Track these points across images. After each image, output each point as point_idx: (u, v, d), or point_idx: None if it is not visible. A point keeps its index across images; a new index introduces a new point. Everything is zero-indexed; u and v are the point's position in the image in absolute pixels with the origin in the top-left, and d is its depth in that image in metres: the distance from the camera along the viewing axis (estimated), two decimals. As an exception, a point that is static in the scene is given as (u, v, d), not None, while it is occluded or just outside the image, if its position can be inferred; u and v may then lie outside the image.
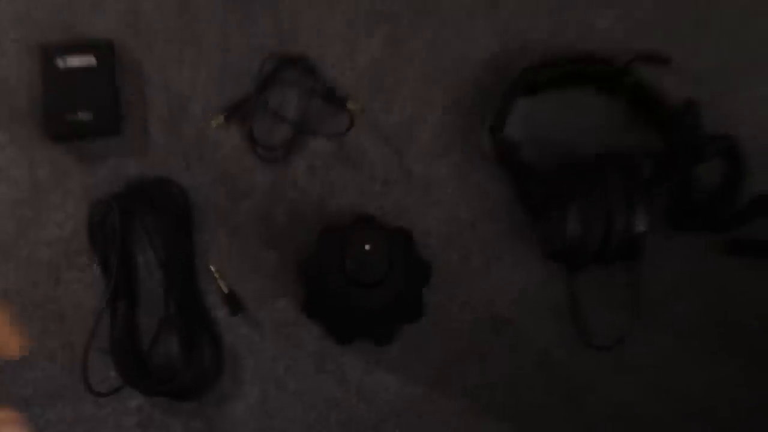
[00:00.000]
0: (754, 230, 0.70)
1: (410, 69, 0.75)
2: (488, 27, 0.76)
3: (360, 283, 0.62)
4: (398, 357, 0.70)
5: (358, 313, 0.65)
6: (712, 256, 0.72)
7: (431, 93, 0.75)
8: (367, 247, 0.61)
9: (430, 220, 0.72)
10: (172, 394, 0.69)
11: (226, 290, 0.71)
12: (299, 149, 0.73)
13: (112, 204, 0.70)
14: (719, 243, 0.72)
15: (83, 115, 0.72)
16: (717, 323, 0.71)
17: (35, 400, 0.69)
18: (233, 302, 0.71)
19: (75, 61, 0.72)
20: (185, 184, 0.73)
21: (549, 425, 0.70)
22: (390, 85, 0.75)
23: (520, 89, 0.73)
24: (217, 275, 0.72)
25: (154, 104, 0.74)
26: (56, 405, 0.69)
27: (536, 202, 0.70)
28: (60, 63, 0.72)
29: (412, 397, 0.70)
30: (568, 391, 0.70)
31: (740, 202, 0.71)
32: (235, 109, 0.74)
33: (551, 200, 0.68)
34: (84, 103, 0.72)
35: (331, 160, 0.73)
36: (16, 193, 0.72)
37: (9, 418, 0.34)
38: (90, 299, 0.71)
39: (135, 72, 0.74)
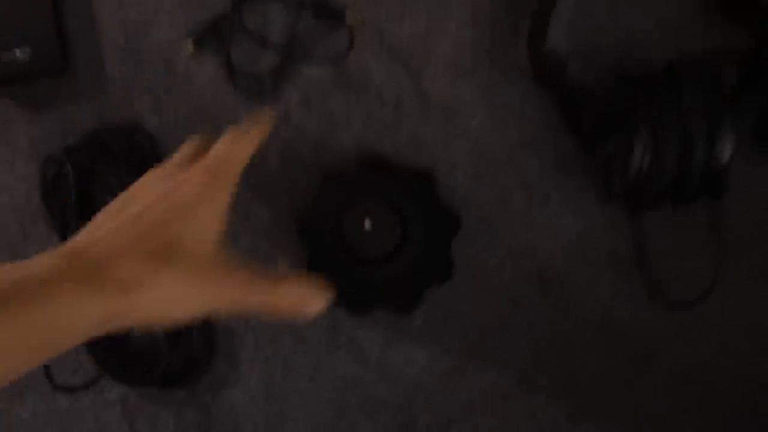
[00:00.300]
0: None
1: (423, -34, 0.59)
2: None
3: (365, 261, 0.51)
4: (424, 326, 0.58)
5: (368, 287, 0.53)
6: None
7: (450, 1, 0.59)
8: (367, 225, 0.51)
9: (455, 155, 0.58)
10: (158, 383, 0.58)
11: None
12: (289, 78, 0.59)
13: (66, 160, 0.58)
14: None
15: (19, 53, 0.58)
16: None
17: (1, 395, 0.59)
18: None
19: (6, -14, 0.58)
20: (153, 129, 0.59)
21: (612, 400, 0.57)
22: (398, -11, 0.59)
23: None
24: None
25: (107, 32, 0.60)
26: (26, 400, 0.59)
27: (590, 128, 0.55)
28: (-13, -11, 0.58)
29: (442, 373, 0.58)
30: (634, 358, 0.57)
31: None
32: (208, 33, 0.59)
33: (610, 124, 0.54)
34: (18, 38, 0.58)
35: (328, 88, 0.59)
36: (-46, 152, 0.60)
37: None
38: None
39: (81, -7, 0.60)
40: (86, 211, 0.59)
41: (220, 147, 0.44)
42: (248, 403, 0.59)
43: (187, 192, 0.41)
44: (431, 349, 0.58)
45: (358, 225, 0.53)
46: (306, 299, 0.42)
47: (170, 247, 0.39)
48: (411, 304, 0.57)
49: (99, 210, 0.60)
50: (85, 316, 0.35)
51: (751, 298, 0.57)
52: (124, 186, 0.59)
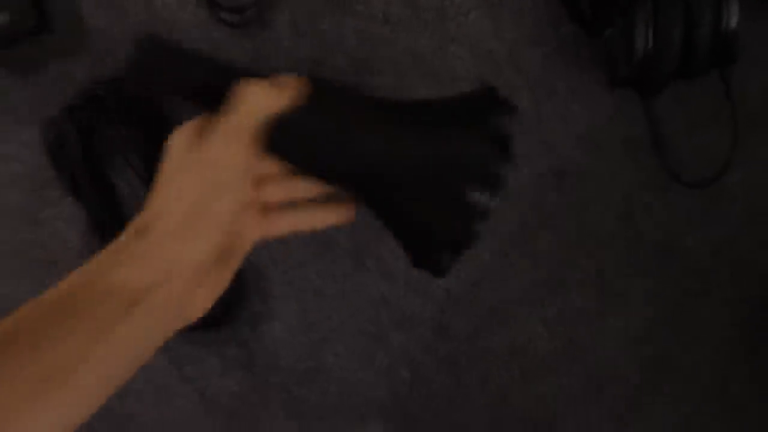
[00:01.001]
0: None
1: None
2: None
3: None
4: (447, 236, 0.58)
5: None
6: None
7: None
8: None
9: (454, 60, 0.57)
10: (199, 326, 0.59)
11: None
12: (276, 2, 0.57)
13: (66, 121, 0.57)
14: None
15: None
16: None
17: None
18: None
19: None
20: (147, 77, 0.58)
21: (640, 285, 0.58)
22: None
23: None
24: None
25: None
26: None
27: (591, 12, 0.53)
28: None
29: (470, 279, 0.59)
30: (660, 241, 0.57)
31: None
32: (183, -32, 0.57)
33: (610, 5, 0.52)
34: (-4, 3, 0.56)
35: (318, 7, 0.57)
36: (-46, 130, 0.59)
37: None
38: (77, 235, 0.60)
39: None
40: (94, 167, 0.59)
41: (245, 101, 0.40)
42: (285, 333, 0.60)
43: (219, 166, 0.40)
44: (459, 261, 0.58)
45: None
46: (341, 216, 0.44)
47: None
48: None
49: (106, 166, 0.61)
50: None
51: (763, 168, 0.56)
52: (124, 138, 0.59)
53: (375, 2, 0.57)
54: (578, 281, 0.58)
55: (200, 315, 0.42)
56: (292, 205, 0.44)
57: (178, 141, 0.41)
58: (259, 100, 0.40)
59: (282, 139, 0.40)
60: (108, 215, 0.60)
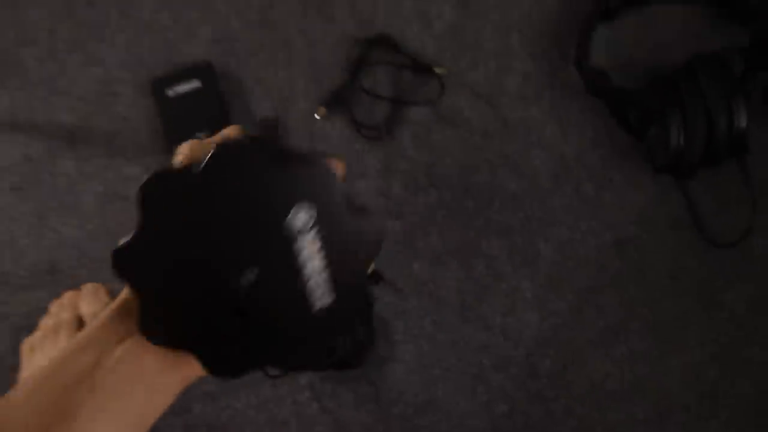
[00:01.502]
0: None
1: (486, 25, 0.78)
2: (552, -34, 0.78)
3: None
4: (532, 295, 0.75)
5: None
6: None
7: (511, 43, 0.78)
8: None
9: (535, 161, 0.76)
10: (335, 366, 0.75)
11: (362, 265, 0.77)
12: (400, 122, 0.78)
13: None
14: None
15: (200, 135, 0.79)
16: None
17: (220, 392, 0.77)
18: (374, 274, 0.76)
19: (183, 87, 0.79)
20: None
21: (692, 332, 0.72)
22: (470, 44, 0.78)
23: (596, 17, 0.75)
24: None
25: (260, 110, 0.80)
26: (239, 394, 0.77)
27: (635, 121, 0.72)
28: (170, 92, 0.79)
29: (553, 328, 0.74)
30: (704, 295, 0.72)
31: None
32: (334, 98, 0.79)
33: (650, 115, 0.71)
34: (199, 123, 0.79)
35: (431, 125, 0.78)
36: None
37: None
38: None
39: (237, 85, 0.80)
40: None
41: None
42: (407, 373, 0.76)
43: None
44: (541, 311, 0.74)
45: None
46: None
47: None
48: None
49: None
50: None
51: (788, 233, 0.72)
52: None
53: (474, 121, 0.77)
54: (638, 329, 0.73)
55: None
56: None
57: None
58: None
59: None
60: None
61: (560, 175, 0.75)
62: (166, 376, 0.36)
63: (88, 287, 0.77)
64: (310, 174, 0.34)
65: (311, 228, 0.34)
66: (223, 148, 0.33)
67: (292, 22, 0.81)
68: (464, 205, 0.77)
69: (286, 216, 0.34)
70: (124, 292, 0.37)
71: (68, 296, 0.77)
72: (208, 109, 0.80)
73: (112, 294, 0.78)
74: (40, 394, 0.34)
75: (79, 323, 0.76)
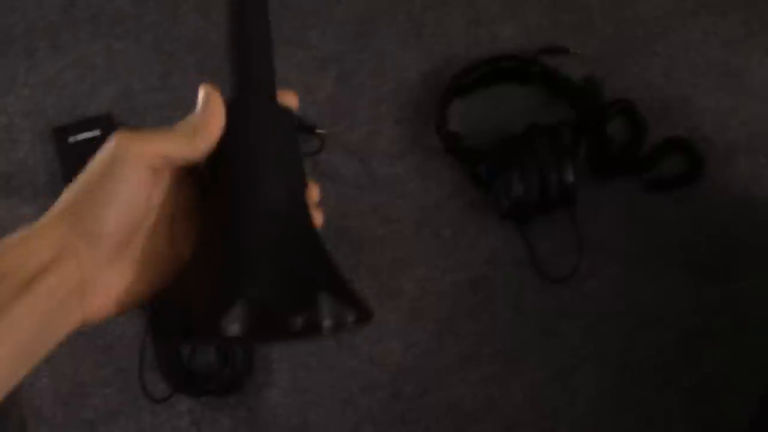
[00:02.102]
0: (663, 169, 0.87)
1: (361, 96, 0.91)
2: (417, 52, 0.93)
3: None
4: (395, 326, 0.84)
5: None
6: (635, 197, 0.88)
7: (382, 111, 0.91)
8: None
9: (401, 209, 0.87)
10: (214, 392, 0.80)
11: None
12: (283, 174, 0.88)
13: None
14: (639, 186, 0.88)
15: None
16: (650, 246, 0.86)
17: (100, 420, 0.80)
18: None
19: (83, 135, 0.87)
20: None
21: (534, 357, 0.83)
22: (347, 111, 0.91)
23: (451, 93, 0.90)
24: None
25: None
26: (119, 420, 0.80)
27: (484, 176, 0.85)
28: (71, 140, 0.86)
29: (415, 356, 0.83)
30: (543, 325, 0.84)
31: (645, 149, 0.88)
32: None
33: (494, 171, 0.84)
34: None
35: (309, 176, 0.88)
36: (52, 254, 0.84)
37: None
38: (132, 328, 0.83)
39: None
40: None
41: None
42: (282, 398, 0.81)
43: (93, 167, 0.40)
44: (404, 340, 0.83)
45: None
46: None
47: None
48: None
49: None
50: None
51: (609, 274, 0.85)
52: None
53: (349, 176, 0.88)
54: (489, 354, 0.83)
55: (103, 314, 0.38)
56: None
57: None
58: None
59: None
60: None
61: (421, 222, 0.87)
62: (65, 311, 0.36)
63: None
64: None
65: None
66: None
67: (189, 87, 0.91)
68: (338, 249, 0.86)
69: None
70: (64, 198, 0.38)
71: None
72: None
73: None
74: None
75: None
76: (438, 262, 0.86)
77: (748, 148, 0.88)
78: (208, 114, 0.40)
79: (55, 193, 0.86)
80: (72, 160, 0.86)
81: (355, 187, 0.88)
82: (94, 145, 0.89)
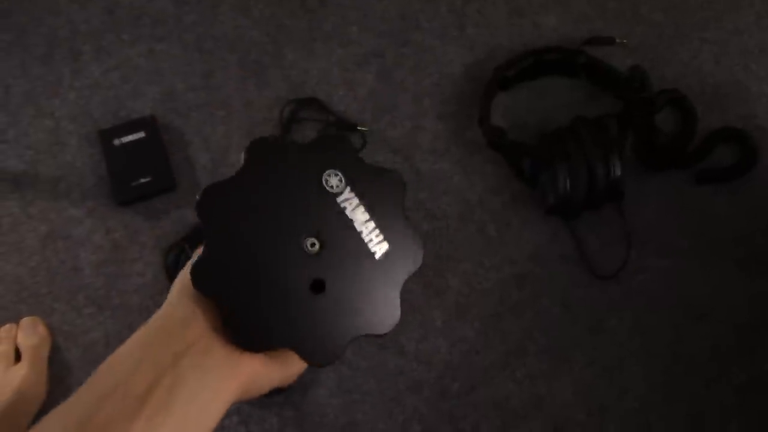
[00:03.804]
0: (714, 161, 0.85)
1: (402, 91, 0.90)
2: (459, 45, 0.91)
3: None
4: (441, 323, 0.83)
5: None
6: (684, 189, 0.86)
7: (423, 106, 0.90)
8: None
9: (445, 206, 0.86)
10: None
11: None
12: (325, 172, 0.88)
13: (184, 245, 0.84)
14: (689, 178, 0.86)
15: (143, 180, 0.86)
16: (701, 241, 0.84)
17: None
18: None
19: (128, 137, 0.88)
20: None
21: (581, 354, 0.82)
22: (389, 107, 0.90)
23: (495, 86, 0.88)
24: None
25: (198, 160, 0.88)
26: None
27: (528, 171, 0.84)
28: (116, 142, 0.87)
29: (461, 353, 0.82)
30: (591, 321, 0.82)
31: (695, 140, 0.86)
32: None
33: (540, 165, 0.82)
34: (142, 170, 0.87)
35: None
36: (100, 255, 0.86)
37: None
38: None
39: (178, 138, 0.89)
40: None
41: None
42: (329, 397, 0.82)
43: None
44: (450, 337, 0.83)
45: None
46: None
47: None
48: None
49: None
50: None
51: (658, 268, 0.83)
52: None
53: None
54: (535, 351, 0.82)
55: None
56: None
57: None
58: None
59: None
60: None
61: (466, 218, 0.86)
62: (225, 381, 0.36)
63: (26, 320, 0.82)
64: (329, 148, 0.40)
65: (345, 186, 0.39)
66: (252, 144, 0.39)
67: (232, 85, 0.91)
68: (382, 245, 0.86)
69: (320, 182, 0.39)
70: (159, 315, 0.38)
71: (5, 329, 0.82)
72: (151, 157, 0.88)
73: (50, 328, 0.82)
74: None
75: (17, 355, 0.80)
76: (483, 259, 0.85)
77: (803, 136, 0.85)
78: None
79: (103, 195, 0.88)
80: (118, 161, 0.87)
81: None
82: (138, 148, 0.91)
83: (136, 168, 0.87)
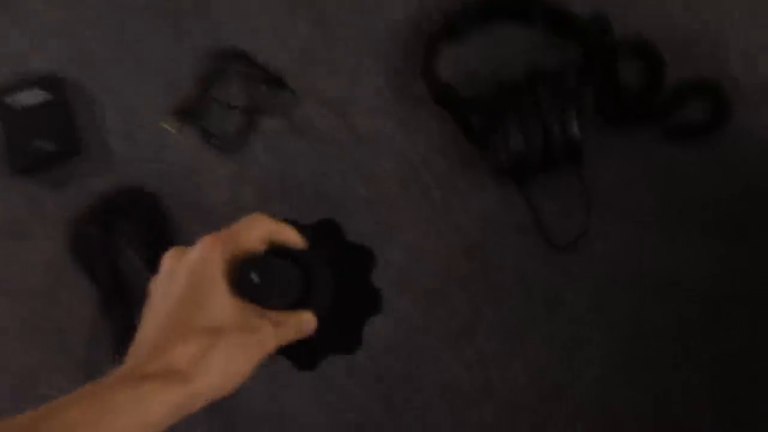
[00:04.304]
0: (684, 116, 0.76)
1: (338, 41, 0.81)
2: (401, -12, 0.82)
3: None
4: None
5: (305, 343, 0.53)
6: (651, 148, 0.77)
7: (362, 58, 0.80)
8: (254, 277, 0.46)
9: (385, 168, 0.77)
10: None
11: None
12: (253, 132, 0.78)
13: (89, 220, 0.75)
14: (655, 135, 0.77)
15: (44, 144, 0.76)
16: (668, 204, 0.76)
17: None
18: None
19: (27, 97, 0.77)
20: (153, 188, 0.77)
21: (537, 332, 0.74)
22: (323, 60, 0.80)
23: (443, 34, 0.79)
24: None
25: (107, 121, 0.79)
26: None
27: (478, 129, 0.75)
28: (12, 102, 0.77)
29: (403, 332, 0.74)
30: (547, 296, 0.74)
31: (663, 93, 0.77)
32: (185, 110, 0.78)
33: (491, 123, 0.73)
34: (43, 133, 0.77)
35: (284, 135, 0.78)
36: (-2, 229, 0.76)
37: None
38: (88, 311, 0.75)
39: (84, 97, 0.79)
40: (109, 256, 0.75)
41: (236, 223, 0.49)
42: (251, 383, 0.73)
43: (193, 255, 0.46)
44: (390, 316, 0.74)
45: (245, 279, 0.47)
46: (310, 324, 0.50)
47: (207, 327, 0.43)
48: (310, 365, 0.57)
49: (118, 255, 0.76)
50: (157, 410, 0.40)
51: (621, 234, 0.75)
52: (137, 233, 0.76)
53: (327, 133, 0.78)
54: (486, 330, 0.74)
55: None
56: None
57: (167, 255, 0.48)
58: (249, 229, 0.47)
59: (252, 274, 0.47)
60: (117, 295, 0.75)
61: (409, 182, 0.77)
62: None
63: None
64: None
65: None
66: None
67: (146, 37, 0.81)
68: (316, 212, 0.76)
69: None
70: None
71: None
72: (53, 119, 0.78)
73: None
74: None
75: None
76: (428, 227, 0.76)
77: (781, 89, 0.77)
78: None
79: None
80: (15, 124, 0.77)
81: (334, 144, 0.78)
82: (39, 109, 0.80)
83: (36, 131, 0.77)
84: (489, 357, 0.73)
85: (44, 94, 0.77)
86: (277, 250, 0.49)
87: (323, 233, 0.56)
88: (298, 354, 0.53)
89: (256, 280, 0.46)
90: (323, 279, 0.52)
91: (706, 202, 0.75)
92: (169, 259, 0.48)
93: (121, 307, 0.74)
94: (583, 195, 0.75)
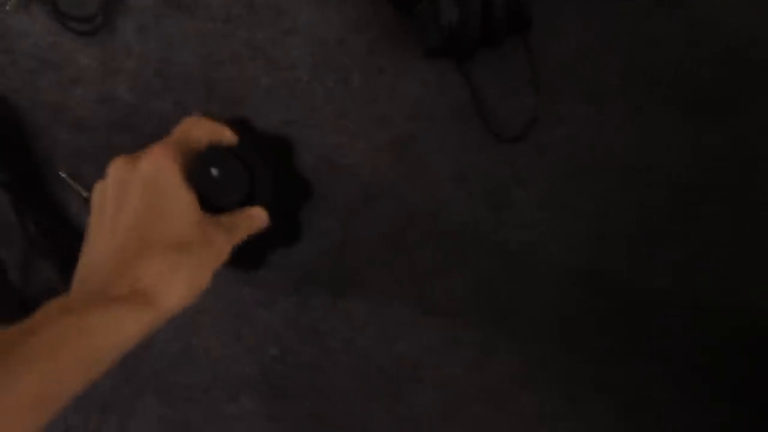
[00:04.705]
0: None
1: None
2: None
3: (215, 208, 0.48)
4: (310, 212, 0.62)
5: None
6: (610, 7, 0.63)
7: None
8: (214, 171, 0.47)
9: (291, 50, 0.62)
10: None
11: (85, 194, 0.62)
12: (120, 11, 0.62)
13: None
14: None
15: None
16: (633, 79, 0.63)
17: None
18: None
19: None
20: (3, 90, 0.62)
21: (480, 239, 0.63)
22: None
23: None
24: (70, 181, 0.62)
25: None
26: None
27: (403, -4, 0.60)
28: None
29: (322, 252, 0.63)
30: (492, 196, 0.63)
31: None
32: (30, -16, 0.61)
33: (417, -11, 0.59)
34: None
35: (160, 12, 0.62)
36: None
37: None
38: None
39: None
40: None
41: (178, 128, 0.48)
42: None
43: (148, 164, 0.44)
44: (307, 233, 0.62)
45: (205, 173, 0.47)
46: (261, 219, 0.50)
47: (171, 243, 0.42)
48: (256, 264, 0.59)
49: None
50: (129, 332, 0.40)
51: (579, 116, 0.63)
52: None
53: (213, 5, 0.62)
54: (421, 239, 0.63)
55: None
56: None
57: (115, 164, 0.45)
58: (196, 131, 0.47)
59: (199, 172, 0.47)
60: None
61: (321, 67, 0.63)
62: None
63: None
64: None
65: None
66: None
67: None
68: (209, 109, 0.62)
69: None
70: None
71: None
72: None
73: None
74: None
75: None
76: (346, 121, 0.63)
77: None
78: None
79: None
80: None
81: (225, 20, 0.63)
82: None
83: None
84: (424, 272, 0.63)
85: None
86: (216, 150, 0.49)
87: (277, 148, 0.59)
88: (244, 255, 0.51)
89: (216, 174, 0.47)
90: (264, 174, 0.52)
91: (678, 74, 0.63)
92: (117, 170, 0.44)
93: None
94: (532, 71, 0.62)
